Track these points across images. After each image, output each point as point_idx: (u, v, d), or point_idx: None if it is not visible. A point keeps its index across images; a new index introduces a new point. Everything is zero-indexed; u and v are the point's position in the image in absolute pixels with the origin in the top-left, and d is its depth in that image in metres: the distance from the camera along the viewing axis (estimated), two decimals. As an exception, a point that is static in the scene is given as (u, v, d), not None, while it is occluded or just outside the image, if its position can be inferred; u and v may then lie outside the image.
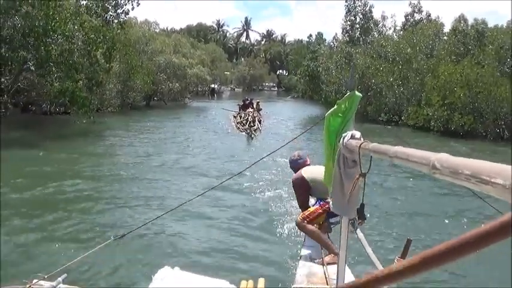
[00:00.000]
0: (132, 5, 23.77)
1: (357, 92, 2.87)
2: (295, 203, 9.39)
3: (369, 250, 3.46)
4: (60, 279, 3.60)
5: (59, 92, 19.53)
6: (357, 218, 2.75)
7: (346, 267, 3.16)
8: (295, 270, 4.91)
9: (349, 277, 3.75)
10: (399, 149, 1.31)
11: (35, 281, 3.52)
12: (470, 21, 40.00)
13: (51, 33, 18.41)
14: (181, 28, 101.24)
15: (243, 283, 4.35)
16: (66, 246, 7.16)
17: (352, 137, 2.37)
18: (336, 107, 2.92)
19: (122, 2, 23.54)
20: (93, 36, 20.37)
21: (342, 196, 2.65)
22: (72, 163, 14.27)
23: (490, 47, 28.65)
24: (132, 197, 10.83)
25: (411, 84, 30.10)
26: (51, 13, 18.36)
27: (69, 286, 3.67)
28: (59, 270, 3.72)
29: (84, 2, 22.64)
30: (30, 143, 16.91)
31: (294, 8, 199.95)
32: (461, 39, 30.60)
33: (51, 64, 19.10)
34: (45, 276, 3.59)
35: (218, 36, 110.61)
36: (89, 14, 21.52)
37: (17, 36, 18.02)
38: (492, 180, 0.70)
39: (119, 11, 23.76)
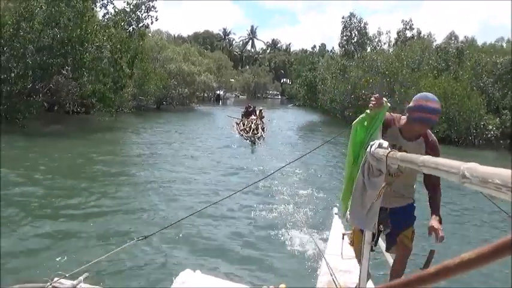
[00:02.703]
0: (151, 20, 27.40)
1: (384, 101, 2.96)
2: (315, 210, 10.25)
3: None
4: (81, 278, 3.63)
5: (91, 93, 23.21)
6: (382, 227, 2.79)
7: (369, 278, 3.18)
8: (317, 278, 4.93)
9: (369, 285, 3.88)
10: (427, 158, 1.32)
11: (56, 279, 3.54)
12: (461, 38, 43.74)
13: (85, 43, 21.94)
14: (188, 35, 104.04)
15: None
16: (89, 245, 7.26)
17: (380, 146, 2.40)
18: (363, 115, 2.99)
19: (143, 16, 27.07)
20: (119, 46, 23.90)
21: (361, 208, 2.67)
22: (98, 156, 15.73)
23: (468, 63, 32.09)
24: (156, 197, 11.00)
25: (396, 96, 33.33)
26: (84, 26, 21.90)
27: (90, 285, 3.68)
28: (81, 269, 3.70)
29: (108, 16, 26.33)
30: (66, 135, 20.13)
31: (301, 15, 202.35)
32: (443, 56, 34.06)
33: (84, 69, 22.62)
34: (67, 275, 3.60)
35: (224, 44, 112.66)
36: (115, 27, 25.01)
37: (56, 45, 21.45)
38: None
39: (140, 24, 27.27)
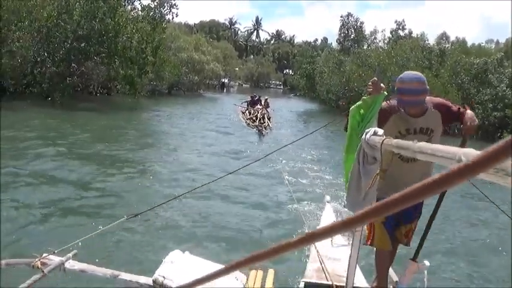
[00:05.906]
0: (173, 15, 32.00)
1: (383, 87, 2.98)
2: (313, 194, 10.32)
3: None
4: (69, 254, 3.60)
5: (123, 77, 27.52)
6: None
7: (357, 266, 3.25)
8: (306, 264, 4.85)
9: (358, 275, 3.99)
10: (423, 144, 1.31)
11: (44, 255, 3.54)
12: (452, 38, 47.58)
13: (119, 34, 26.06)
14: (194, 23, 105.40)
15: (253, 273, 4.28)
16: (79, 222, 7.23)
17: (375, 133, 2.39)
18: (361, 102, 2.98)
19: (165, 12, 31.43)
20: (145, 38, 28.08)
21: (357, 193, 2.69)
22: (111, 131, 17.17)
23: (448, 63, 36.08)
24: (152, 174, 11.14)
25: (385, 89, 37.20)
26: (117, 19, 25.98)
27: (78, 262, 3.65)
28: (70, 246, 3.69)
29: (136, 11, 30.51)
30: (102, 111, 23.77)
31: (306, 7, 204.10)
32: (427, 55, 37.98)
33: (116, 56, 26.80)
34: (55, 251, 3.60)
35: (229, 34, 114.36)
36: (142, 21, 29.16)
37: (93, 35, 25.53)
38: None
39: (163, 19, 31.47)
